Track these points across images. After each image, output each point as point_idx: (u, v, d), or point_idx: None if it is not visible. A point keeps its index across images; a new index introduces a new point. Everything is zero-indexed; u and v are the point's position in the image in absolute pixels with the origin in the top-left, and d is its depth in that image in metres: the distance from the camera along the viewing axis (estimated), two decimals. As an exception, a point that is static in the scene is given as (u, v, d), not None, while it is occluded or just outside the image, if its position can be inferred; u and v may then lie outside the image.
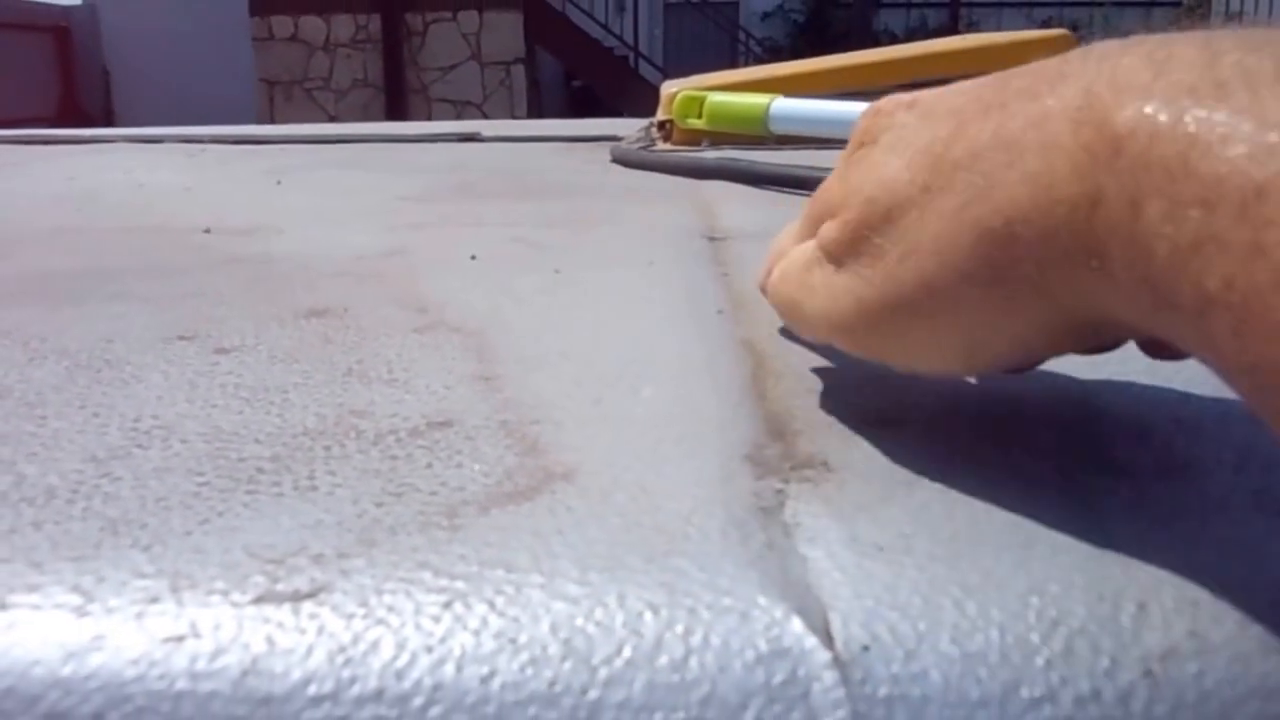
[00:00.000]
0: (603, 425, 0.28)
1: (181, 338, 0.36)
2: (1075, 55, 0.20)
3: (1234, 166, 0.16)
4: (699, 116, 0.84)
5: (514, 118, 7.32)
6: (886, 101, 0.26)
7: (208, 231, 0.56)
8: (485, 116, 7.44)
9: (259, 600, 0.20)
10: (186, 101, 6.70)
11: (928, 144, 0.23)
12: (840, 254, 0.25)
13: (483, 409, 0.30)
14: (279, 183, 0.78)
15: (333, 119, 7.44)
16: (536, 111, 7.86)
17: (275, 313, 0.40)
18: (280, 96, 7.57)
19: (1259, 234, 0.16)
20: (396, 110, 7.45)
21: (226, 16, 7.28)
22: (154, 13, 7.20)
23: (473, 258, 0.49)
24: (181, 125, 1.42)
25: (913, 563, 0.21)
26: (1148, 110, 0.18)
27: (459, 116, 7.44)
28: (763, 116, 0.75)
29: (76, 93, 7.16)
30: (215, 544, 0.22)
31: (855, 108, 0.69)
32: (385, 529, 0.22)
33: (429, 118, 7.46)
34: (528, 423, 0.28)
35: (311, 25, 7.57)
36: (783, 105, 0.74)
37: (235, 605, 0.20)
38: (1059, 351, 0.24)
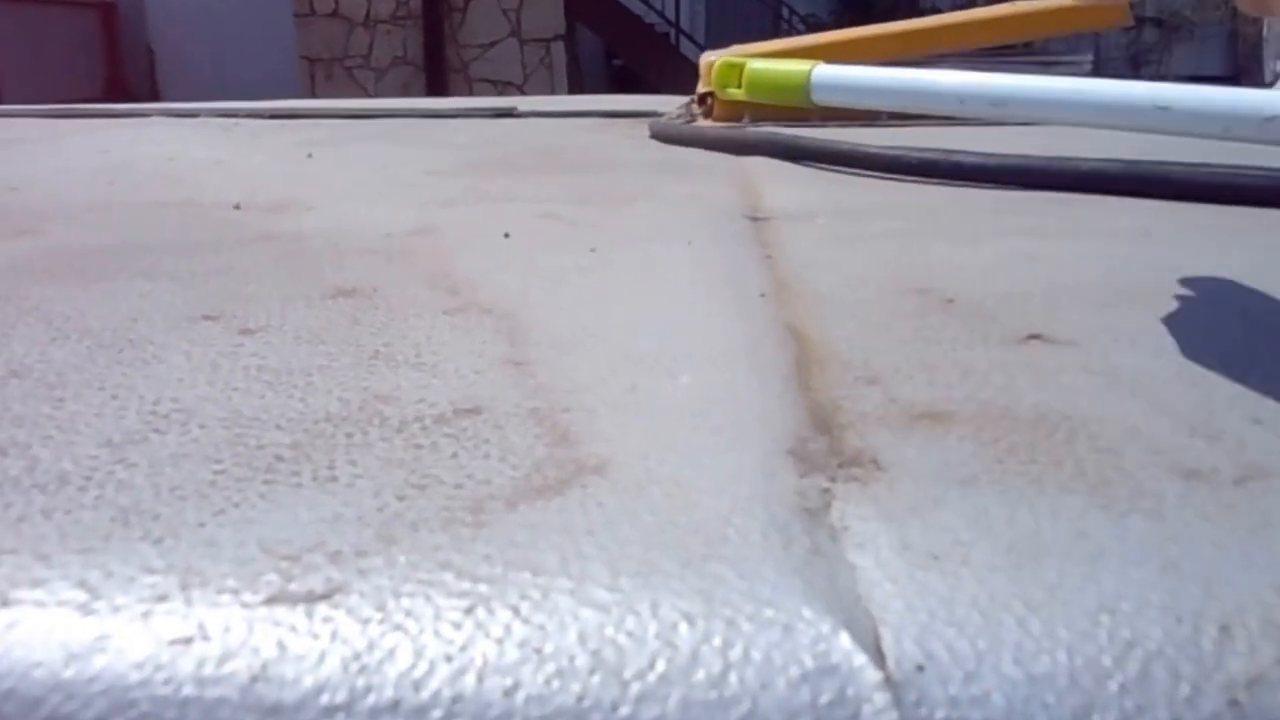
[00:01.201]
0: (637, 414, 0.27)
1: (207, 317, 0.35)
2: None
3: None
4: (739, 86, 0.82)
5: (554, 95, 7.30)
6: None
7: (238, 207, 0.55)
8: (524, 95, 7.41)
9: (271, 601, 0.19)
10: (229, 80, 6.73)
11: None
12: None
13: (513, 395, 0.28)
14: (310, 156, 0.77)
15: (372, 97, 7.44)
16: (577, 90, 7.83)
17: (303, 292, 0.38)
18: (321, 75, 7.57)
19: None
20: (436, 88, 7.44)
21: (268, -9, 7.31)
22: (197, -12, 7.24)
23: (506, 235, 0.48)
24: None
25: (971, 574, 0.19)
26: None
27: (499, 95, 7.43)
28: (804, 85, 0.72)
29: (122, 72, 7.18)
30: (229, 537, 0.21)
31: (900, 74, 0.67)
32: (406, 525, 0.21)
33: (469, 95, 7.45)
34: (559, 410, 0.27)
35: (353, 1, 7.56)
36: (825, 72, 0.71)
37: (246, 606, 0.19)
38: None
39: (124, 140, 0.91)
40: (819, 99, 0.72)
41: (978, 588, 0.19)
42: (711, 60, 0.91)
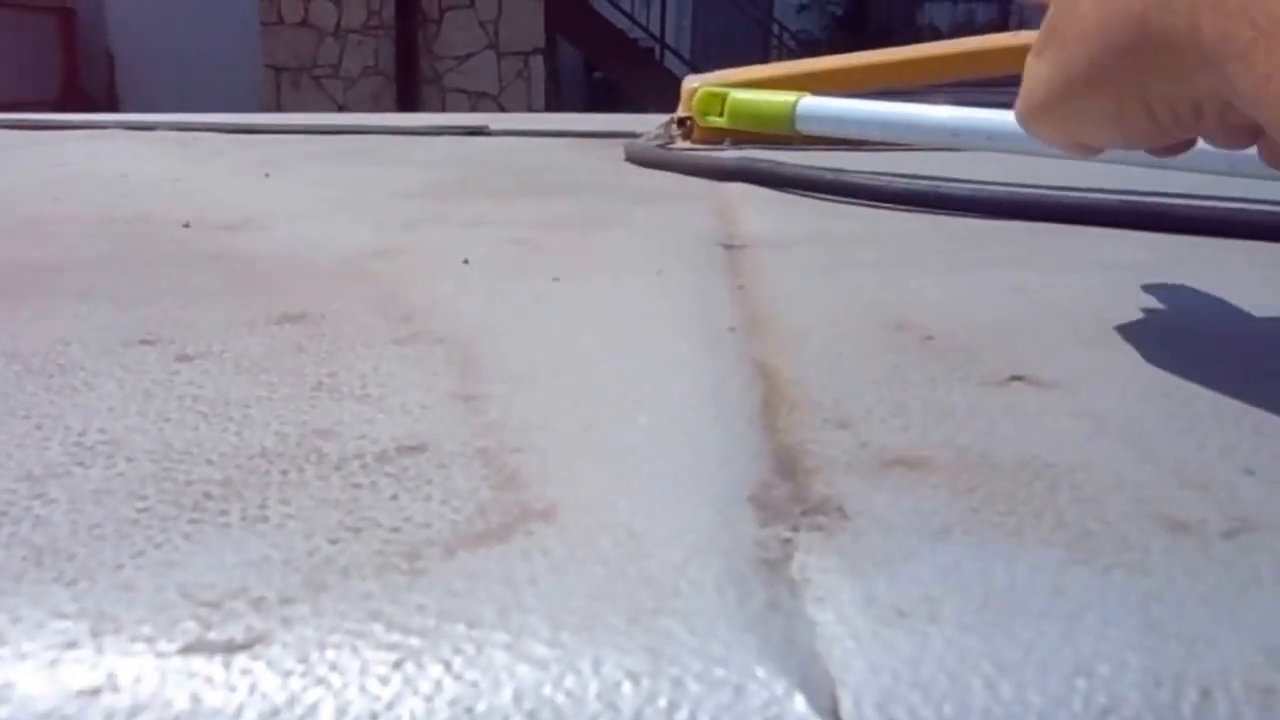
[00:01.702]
0: (591, 456, 0.27)
1: (143, 342, 0.35)
2: None
3: None
4: (720, 114, 0.82)
5: (531, 110, 7.32)
6: None
7: (187, 226, 0.55)
8: (501, 108, 7.42)
9: (187, 650, 0.18)
10: (192, 86, 6.70)
11: None
12: (1040, 46, 0.32)
13: (461, 433, 0.28)
14: (267, 175, 0.76)
15: (341, 108, 7.44)
16: (555, 104, 7.85)
17: (247, 317, 0.38)
18: (288, 84, 7.57)
19: None
20: (408, 100, 7.44)
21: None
22: (160, -6, 7.23)
23: (465, 261, 0.47)
24: (186, 110, 1.41)
25: (939, 632, 0.19)
26: None
27: (474, 108, 7.43)
28: (789, 115, 0.73)
29: (79, 76, 7.15)
30: (147, 581, 0.20)
31: (887, 108, 0.68)
32: (337, 570, 0.21)
33: (443, 108, 7.45)
34: (508, 450, 0.27)
35: (322, 9, 7.57)
36: (811, 104, 0.72)
37: (160, 655, 0.18)
38: (1181, 126, 0.28)
39: (77, 153, 0.90)
40: (804, 129, 0.73)
41: (946, 648, 0.19)
42: (694, 87, 0.91)
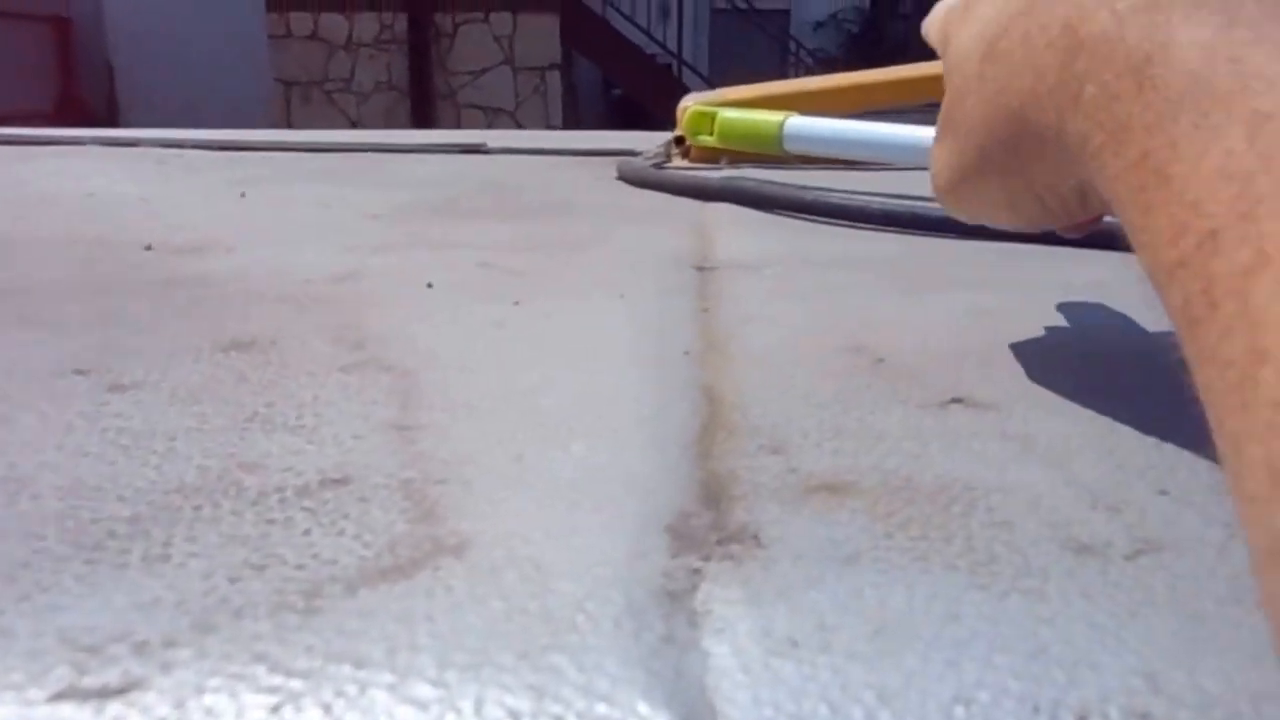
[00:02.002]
0: (517, 487, 0.27)
1: (77, 371, 0.35)
2: None
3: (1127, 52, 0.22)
4: (710, 133, 0.83)
5: (549, 126, 7.35)
6: None
7: (149, 248, 0.55)
8: (518, 123, 7.46)
9: (58, 697, 0.18)
10: (197, 100, 6.74)
11: (987, 35, 0.30)
12: (939, 134, 0.34)
13: (388, 465, 0.28)
14: (243, 195, 0.77)
15: (354, 123, 7.48)
16: (573, 119, 7.88)
17: (194, 344, 0.38)
18: (298, 98, 7.62)
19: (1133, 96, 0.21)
20: (422, 115, 7.49)
21: (242, 11, 7.34)
22: (164, 5, 7.24)
23: (429, 285, 0.48)
24: (191, 125, 1.42)
25: (828, 662, 0.19)
26: (1102, 20, 0.23)
27: (490, 123, 7.47)
28: (777, 135, 0.74)
29: (77, 87, 7.18)
30: (27, 626, 0.20)
31: (873, 128, 0.68)
32: (230, 611, 0.21)
33: (458, 123, 7.49)
34: (433, 483, 0.27)
35: (333, 23, 7.62)
36: (798, 124, 0.72)
37: (29, 703, 0.18)
38: (1069, 211, 0.30)
39: (47, 171, 0.91)
40: (792, 149, 0.73)
41: (832, 677, 0.19)
42: (686, 105, 0.92)
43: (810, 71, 9.01)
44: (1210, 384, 0.16)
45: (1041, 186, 0.29)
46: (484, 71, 7.64)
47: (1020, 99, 0.27)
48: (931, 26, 0.38)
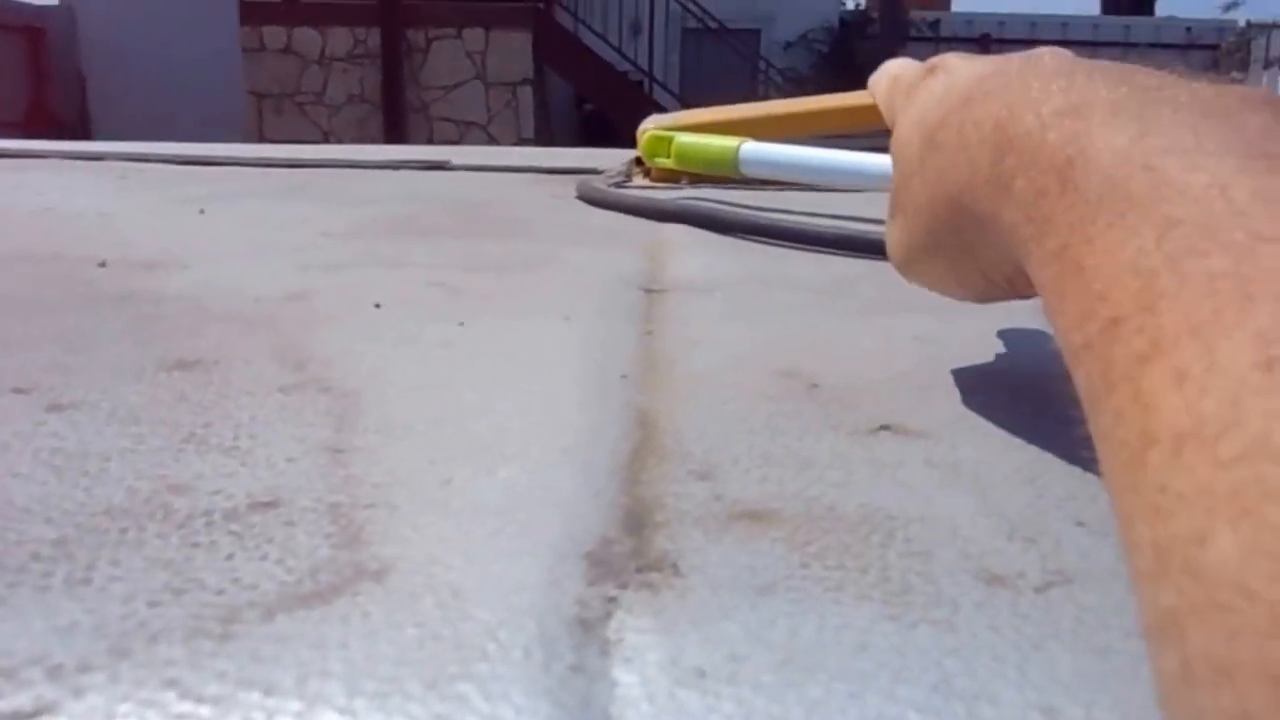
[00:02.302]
0: (442, 512, 0.27)
1: (17, 390, 0.35)
2: (1028, 69, 0.27)
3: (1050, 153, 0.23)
4: (668, 156, 0.84)
5: (520, 140, 7.36)
6: (939, 61, 0.35)
7: (103, 265, 0.55)
8: (491, 137, 7.47)
9: (-34, 722, 0.19)
10: (170, 111, 6.70)
11: (928, 124, 0.31)
12: (891, 211, 0.36)
13: (318, 488, 0.28)
14: (202, 211, 0.77)
15: (326, 135, 7.47)
16: (546, 134, 7.89)
17: (138, 363, 0.38)
18: (270, 110, 7.61)
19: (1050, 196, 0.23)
20: (394, 127, 7.49)
21: (215, 24, 7.30)
22: (136, 17, 7.19)
23: (378, 305, 0.48)
24: (164, 136, 1.42)
25: (732, 692, 0.19)
26: (1029, 122, 0.25)
27: (462, 137, 7.47)
28: (733, 160, 0.75)
29: (48, 98, 7.13)
30: (-60, 651, 0.20)
31: (826, 155, 0.69)
32: (146, 636, 0.21)
33: (430, 137, 7.49)
34: (361, 506, 0.27)
35: (306, 37, 7.62)
36: (753, 149, 0.73)
37: (-64, 728, 0.18)
38: (1015, 288, 0.31)
39: (4, 185, 0.91)
40: (748, 173, 0.74)
41: (735, 708, 0.19)
42: (645, 128, 0.92)
43: (780, 90, 9.04)
44: (1107, 461, 0.17)
45: (985, 265, 0.31)
46: (456, 86, 7.65)
47: (958, 188, 0.29)
48: (877, 87, 0.41)
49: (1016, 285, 0.30)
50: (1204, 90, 0.23)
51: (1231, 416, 0.14)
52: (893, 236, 0.36)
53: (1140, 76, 0.25)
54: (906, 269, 0.37)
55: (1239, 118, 0.21)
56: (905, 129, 0.34)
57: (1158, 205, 0.19)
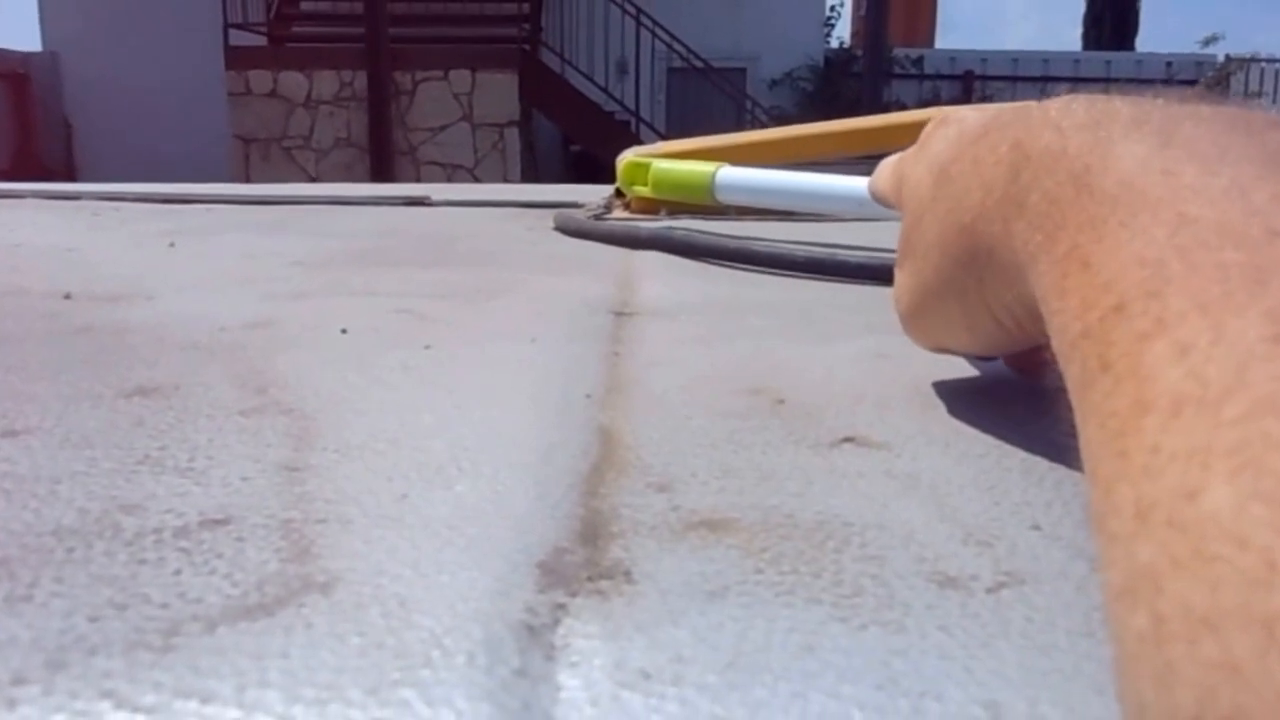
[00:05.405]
0: (395, 526, 0.27)
1: (-30, 419, 0.35)
2: (1046, 102, 0.27)
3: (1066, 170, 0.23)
4: (645, 183, 0.84)
5: (507, 181, 7.38)
6: (949, 112, 0.36)
7: (68, 297, 0.55)
8: (477, 179, 7.48)
9: (-107, 735, 0.18)
10: (156, 156, 6.72)
11: (940, 160, 0.32)
12: (900, 259, 0.36)
13: (271, 505, 0.28)
14: (172, 245, 0.77)
15: (313, 179, 7.48)
16: (532, 175, 7.92)
17: (96, 390, 0.38)
18: (257, 154, 7.62)
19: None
20: (381, 171, 7.50)
21: (200, 69, 7.33)
22: (122, 62, 7.21)
23: (343, 331, 0.48)
24: (150, 181, 1.42)
25: (676, 693, 0.19)
26: (1048, 136, 0.25)
27: (449, 179, 7.49)
28: (709, 185, 0.75)
29: (34, 144, 7.15)
30: (-124, 667, 0.20)
31: (799, 178, 0.69)
32: (85, 649, 0.21)
33: (417, 179, 7.50)
34: (312, 522, 0.27)
35: (292, 81, 7.64)
36: (729, 174, 0.74)
37: None
38: (1025, 331, 0.30)
39: (-23, 225, 0.91)
40: (723, 199, 0.74)
41: (679, 709, 0.19)
42: (624, 157, 0.93)
43: (765, 127, 9.08)
44: (1091, 437, 0.17)
45: (994, 301, 0.30)
46: (443, 128, 7.68)
47: (971, 214, 0.29)
48: (880, 179, 0.41)
49: (1025, 327, 0.29)
50: (1228, 108, 0.23)
51: (1237, 381, 0.14)
52: (901, 284, 0.36)
53: (1164, 99, 0.25)
54: (913, 319, 0.36)
55: (1262, 134, 0.21)
56: (916, 175, 0.34)
57: (1172, 205, 0.19)
